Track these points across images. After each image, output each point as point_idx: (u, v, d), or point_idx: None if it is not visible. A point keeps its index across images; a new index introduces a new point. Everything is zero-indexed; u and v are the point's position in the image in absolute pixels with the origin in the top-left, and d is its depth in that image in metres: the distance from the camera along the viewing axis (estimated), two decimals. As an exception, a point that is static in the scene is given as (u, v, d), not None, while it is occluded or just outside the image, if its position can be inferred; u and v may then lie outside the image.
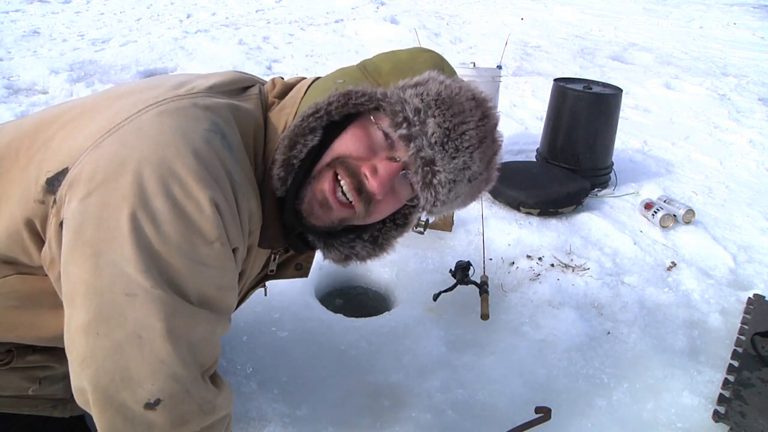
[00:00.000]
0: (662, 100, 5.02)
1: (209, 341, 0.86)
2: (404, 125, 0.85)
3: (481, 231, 2.42)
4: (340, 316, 1.93)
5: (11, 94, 3.90)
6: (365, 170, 0.88)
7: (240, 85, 1.00)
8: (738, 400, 1.65)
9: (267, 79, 1.07)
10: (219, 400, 0.89)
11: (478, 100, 0.89)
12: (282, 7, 8.46)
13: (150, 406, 0.80)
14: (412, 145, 0.85)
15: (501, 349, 1.84)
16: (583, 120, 3.06)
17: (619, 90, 3.16)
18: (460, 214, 2.58)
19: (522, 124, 4.11)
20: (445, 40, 6.74)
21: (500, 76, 3.07)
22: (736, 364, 1.80)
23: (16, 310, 0.95)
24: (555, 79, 3.26)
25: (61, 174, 0.80)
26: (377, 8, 8.66)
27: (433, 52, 0.99)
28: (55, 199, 0.80)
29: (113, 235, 0.75)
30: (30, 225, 0.86)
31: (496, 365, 1.77)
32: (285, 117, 0.95)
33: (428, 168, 0.86)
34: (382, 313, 2.01)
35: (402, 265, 2.24)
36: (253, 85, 1.02)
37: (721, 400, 1.66)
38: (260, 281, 1.18)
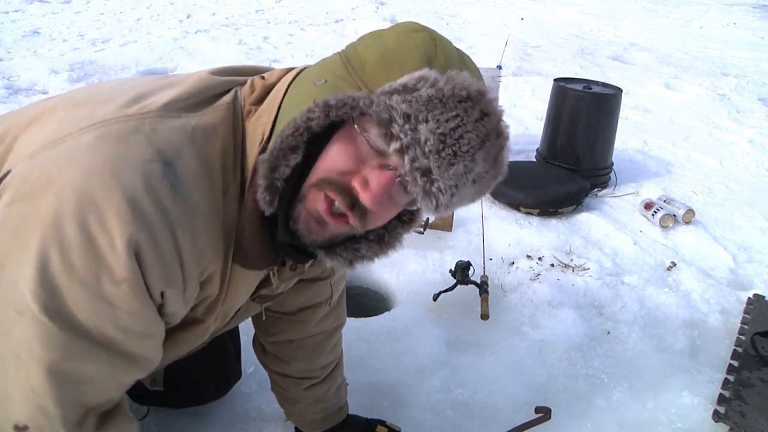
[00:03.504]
0: (662, 100, 5.03)
1: (102, 383, 0.82)
2: (395, 135, 0.78)
3: (481, 231, 2.42)
4: (340, 316, 1.93)
5: (11, 94, 3.90)
6: (355, 184, 0.80)
7: (208, 94, 0.91)
8: (738, 400, 1.65)
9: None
10: None
11: (474, 98, 0.79)
12: (282, 7, 8.47)
13: (19, 429, 0.79)
14: (406, 156, 0.77)
15: (501, 349, 1.85)
16: (583, 120, 3.06)
17: (619, 90, 3.16)
18: (460, 213, 2.58)
19: (522, 124, 4.11)
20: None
21: (500, 76, 3.07)
22: (736, 364, 1.80)
23: None
24: (555, 79, 3.26)
25: (5, 176, 0.78)
26: (377, 8, 8.67)
27: (424, 31, 0.88)
28: None
29: (21, 251, 0.73)
30: None
31: (496, 365, 1.77)
32: (262, 128, 0.87)
33: (426, 177, 0.78)
34: (382, 313, 2.01)
35: (402, 265, 2.24)
36: (227, 91, 0.93)
37: (721, 400, 1.66)
38: (257, 291, 1.10)
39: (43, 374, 0.76)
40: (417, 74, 0.80)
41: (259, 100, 0.91)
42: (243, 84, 0.94)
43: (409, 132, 0.77)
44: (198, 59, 5.12)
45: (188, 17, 7.16)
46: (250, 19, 7.29)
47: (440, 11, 8.97)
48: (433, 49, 0.85)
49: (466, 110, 0.78)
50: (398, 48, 0.85)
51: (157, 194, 0.76)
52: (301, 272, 1.11)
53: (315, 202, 0.82)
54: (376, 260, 0.97)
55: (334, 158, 0.82)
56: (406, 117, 0.77)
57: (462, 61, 0.89)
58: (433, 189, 0.79)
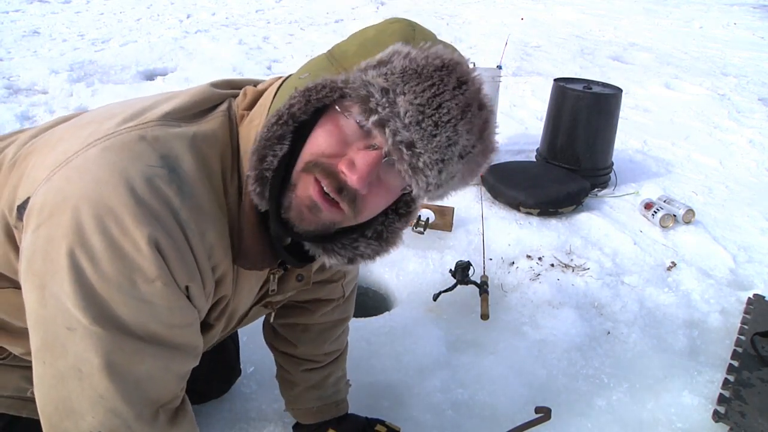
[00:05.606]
0: (662, 100, 5.03)
1: (161, 377, 0.85)
2: (374, 110, 0.77)
3: (481, 231, 2.42)
4: (340, 316, 1.93)
5: (11, 94, 3.90)
6: (341, 167, 0.79)
7: (207, 105, 0.93)
8: (738, 400, 1.65)
9: (268, 78, 1.02)
10: None
11: (449, 66, 0.79)
12: (282, 7, 8.47)
13: None
14: (387, 130, 0.76)
15: (501, 349, 1.85)
16: (583, 120, 3.06)
17: (619, 90, 3.16)
18: (460, 213, 2.58)
19: (522, 124, 4.11)
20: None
21: (500, 76, 3.07)
22: (736, 364, 1.80)
23: (2, 321, 0.97)
24: (555, 79, 3.26)
25: (26, 203, 0.80)
26: (377, 8, 8.67)
27: (404, 21, 0.90)
28: (22, 226, 0.81)
29: (55, 269, 0.75)
30: (15, 247, 0.87)
31: (496, 365, 1.77)
32: (255, 129, 0.88)
33: (410, 152, 0.77)
34: (382, 313, 2.02)
35: (402, 265, 2.24)
36: (223, 102, 0.95)
37: (721, 400, 1.66)
38: (261, 299, 1.13)
39: (107, 379, 0.79)
40: (390, 48, 0.81)
41: (251, 105, 0.93)
42: (237, 95, 0.97)
43: (387, 105, 0.77)
44: (198, 59, 5.12)
45: (188, 17, 7.16)
46: (250, 19, 7.29)
47: (440, 11, 8.97)
48: (410, 32, 0.87)
49: (441, 79, 0.78)
50: (377, 35, 0.88)
51: (166, 198, 0.79)
52: (307, 284, 1.13)
53: (306, 187, 0.82)
54: (377, 258, 0.96)
55: (319, 141, 0.82)
56: (384, 91, 0.77)
57: (438, 40, 0.89)
58: (420, 164, 0.78)
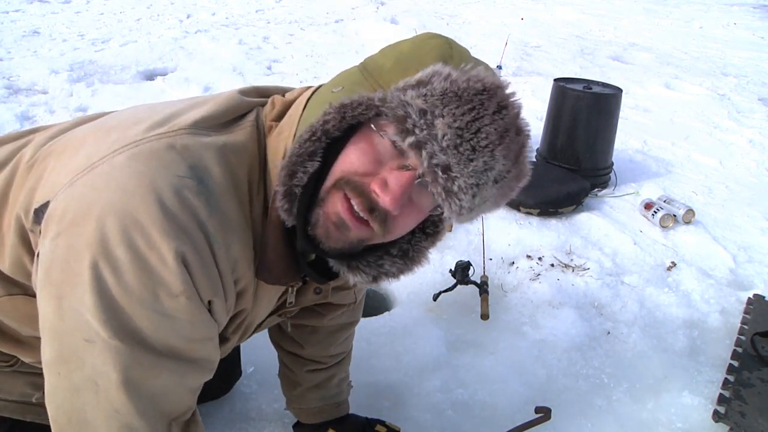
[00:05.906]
0: (662, 100, 5.02)
1: (176, 391, 0.84)
2: (410, 131, 0.76)
3: (481, 231, 2.42)
4: (340, 316, 1.93)
5: (11, 94, 3.90)
6: (374, 186, 0.78)
7: (236, 114, 0.91)
8: (738, 400, 1.65)
9: (271, 83, 1.00)
10: None
11: (490, 90, 0.78)
12: (282, 7, 8.47)
13: None
14: (423, 152, 0.75)
15: (501, 349, 1.85)
16: (583, 120, 3.06)
17: (619, 90, 3.16)
18: (460, 214, 2.58)
19: (522, 124, 4.10)
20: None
21: (500, 77, 3.07)
22: (736, 364, 1.80)
23: (9, 329, 0.96)
24: (555, 79, 3.26)
25: (45, 206, 0.79)
26: (377, 8, 8.67)
27: (441, 38, 0.90)
28: (40, 230, 0.80)
29: (76, 280, 0.74)
30: (29, 250, 0.85)
31: (496, 365, 1.77)
32: (284, 141, 0.87)
33: (446, 175, 0.76)
34: (382, 313, 2.02)
35: (402, 265, 2.24)
36: (251, 111, 0.94)
37: (721, 400, 1.66)
38: (277, 310, 1.12)
39: (123, 394, 0.77)
40: (430, 69, 0.80)
41: (280, 116, 0.91)
42: (265, 104, 0.95)
43: (424, 127, 0.75)
44: (198, 59, 5.12)
45: (188, 17, 7.16)
46: (250, 19, 7.29)
47: (440, 11, 8.97)
48: (448, 50, 0.86)
49: (482, 103, 0.77)
50: (414, 51, 0.86)
51: (194, 210, 0.77)
52: (325, 297, 1.13)
53: (334, 204, 0.81)
54: (401, 276, 0.94)
55: (351, 159, 0.81)
56: (422, 112, 0.76)
57: (477, 60, 0.89)
58: (455, 187, 0.77)
